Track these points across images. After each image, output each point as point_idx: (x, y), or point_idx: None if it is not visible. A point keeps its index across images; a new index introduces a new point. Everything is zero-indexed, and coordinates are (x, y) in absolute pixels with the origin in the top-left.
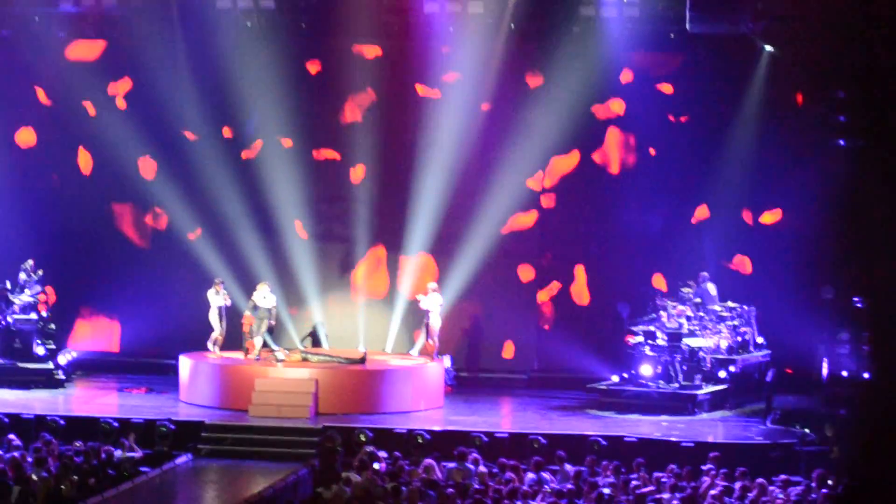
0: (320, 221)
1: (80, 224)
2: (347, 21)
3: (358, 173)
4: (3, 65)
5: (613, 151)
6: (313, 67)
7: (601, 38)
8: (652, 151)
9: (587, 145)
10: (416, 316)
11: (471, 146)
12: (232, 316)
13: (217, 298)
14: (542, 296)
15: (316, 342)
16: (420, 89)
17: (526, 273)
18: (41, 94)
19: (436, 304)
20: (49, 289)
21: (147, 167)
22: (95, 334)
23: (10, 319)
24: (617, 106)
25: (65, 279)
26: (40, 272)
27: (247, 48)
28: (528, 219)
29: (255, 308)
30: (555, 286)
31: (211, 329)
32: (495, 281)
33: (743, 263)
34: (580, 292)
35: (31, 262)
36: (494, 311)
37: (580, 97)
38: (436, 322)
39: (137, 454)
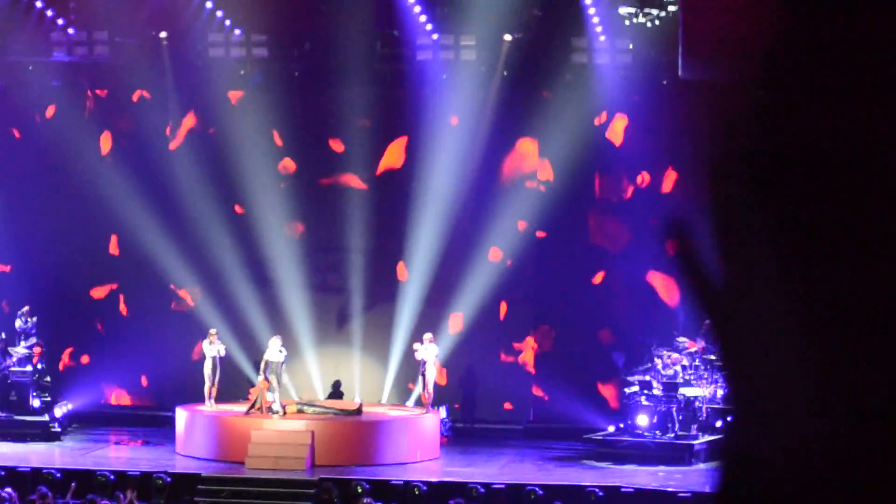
0: (316, 273)
1: (75, 271)
2: (340, 69)
3: (352, 225)
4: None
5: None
6: (306, 116)
7: (594, 84)
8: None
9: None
10: (411, 367)
11: (465, 194)
12: (227, 366)
13: (211, 349)
14: (534, 347)
15: (336, 396)
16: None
17: (520, 325)
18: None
19: (432, 355)
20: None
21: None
22: (90, 386)
23: (6, 372)
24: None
25: (59, 328)
26: (34, 319)
27: (241, 97)
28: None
29: (267, 367)
30: (549, 336)
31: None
32: (490, 332)
33: None
34: (575, 341)
35: (27, 308)
36: (489, 362)
37: (572, 145)
38: (431, 373)
39: None
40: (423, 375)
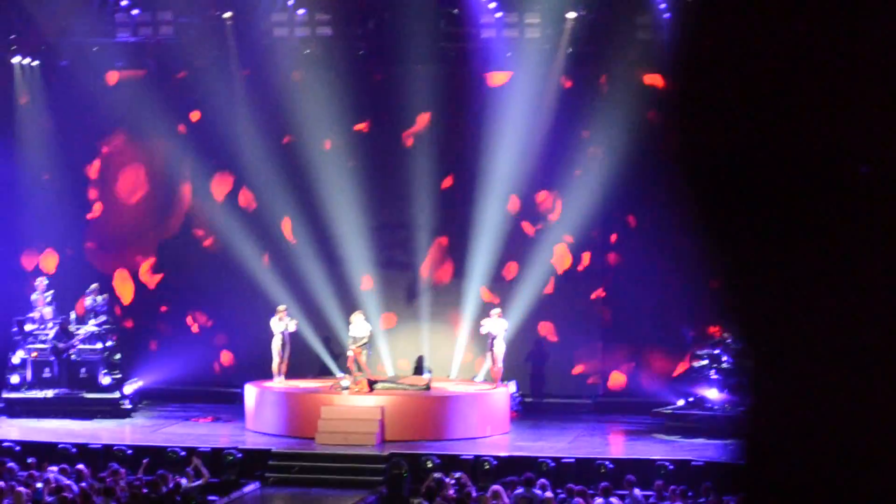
0: (383, 249)
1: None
2: (405, 47)
3: (419, 199)
4: (63, 95)
5: None
6: (372, 93)
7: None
8: None
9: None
10: (480, 341)
11: (531, 172)
12: (297, 341)
13: (279, 325)
14: (603, 321)
15: (418, 371)
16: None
17: (592, 297)
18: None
19: (500, 329)
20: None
21: (215, 191)
22: (161, 363)
23: (70, 351)
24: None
25: (131, 307)
26: (104, 297)
27: (305, 76)
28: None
29: (355, 341)
30: (621, 309)
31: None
32: (560, 305)
33: None
34: (644, 316)
35: (95, 285)
36: (559, 336)
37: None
38: (500, 347)
39: (205, 475)
40: (492, 350)
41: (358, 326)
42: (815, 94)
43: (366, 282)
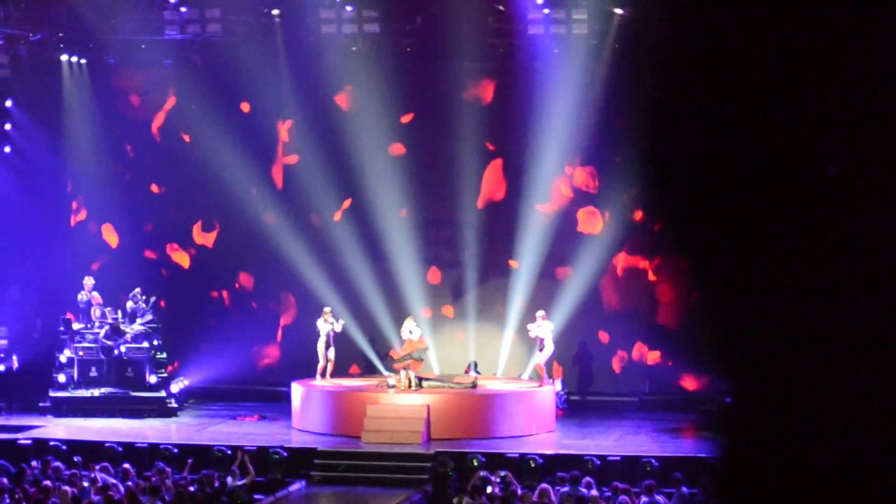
0: (428, 246)
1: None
2: (452, 43)
3: (465, 195)
4: (111, 92)
5: None
6: (418, 89)
7: None
8: None
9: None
10: (526, 341)
11: (580, 165)
12: (341, 343)
13: (325, 326)
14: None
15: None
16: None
17: (635, 295)
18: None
19: (547, 332)
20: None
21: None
22: (207, 362)
23: (122, 349)
24: None
25: (176, 304)
26: (153, 299)
27: (352, 73)
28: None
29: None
30: (665, 307)
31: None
32: (604, 304)
33: None
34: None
35: (138, 289)
36: (605, 334)
37: None
38: (548, 349)
39: (251, 472)
40: (540, 352)
41: (408, 332)
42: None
43: (413, 279)
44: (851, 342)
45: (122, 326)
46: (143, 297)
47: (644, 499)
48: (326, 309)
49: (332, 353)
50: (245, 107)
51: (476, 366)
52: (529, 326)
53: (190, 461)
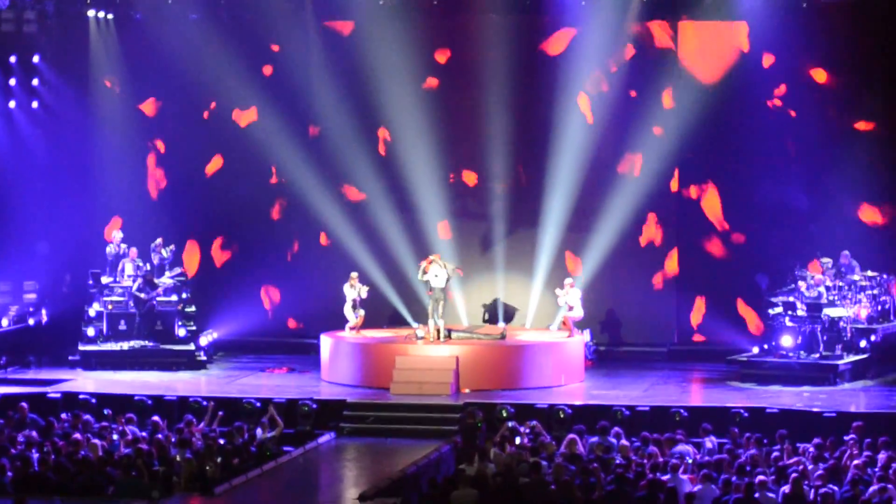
0: (456, 199)
1: (225, 207)
2: None
3: (493, 148)
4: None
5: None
6: (444, 47)
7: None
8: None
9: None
10: (554, 293)
11: (610, 129)
12: (367, 306)
13: (352, 292)
14: (675, 270)
15: (492, 317)
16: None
17: (666, 249)
18: None
19: (576, 299)
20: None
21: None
22: (236, 315)
23: (153, 303)
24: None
25: (207, 260)
26: (171, 247)
27: (378, 27)
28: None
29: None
30: (694, 257)
31: (345, 321)
32: (632, 255)
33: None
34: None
35: (159, 240)
36: (633, 286)
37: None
38: (578, 313)
39: (280, 424)
40: (569, 317)
41: (433, 276)
42: None
43: (441, 230)
44: None
45: (154, 280)
46: (165, 248)
47: (679, 447)
48: (353, 274)
49: (360, 311)
50: (267, 69)
51: (496, 307)
52: (558, 292)
53: (221, 413)
